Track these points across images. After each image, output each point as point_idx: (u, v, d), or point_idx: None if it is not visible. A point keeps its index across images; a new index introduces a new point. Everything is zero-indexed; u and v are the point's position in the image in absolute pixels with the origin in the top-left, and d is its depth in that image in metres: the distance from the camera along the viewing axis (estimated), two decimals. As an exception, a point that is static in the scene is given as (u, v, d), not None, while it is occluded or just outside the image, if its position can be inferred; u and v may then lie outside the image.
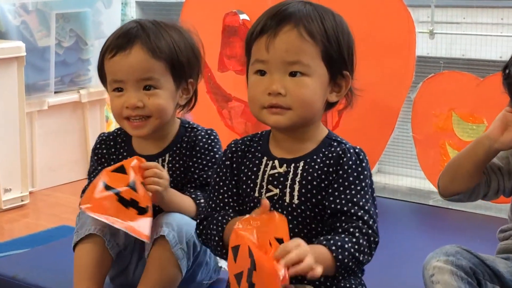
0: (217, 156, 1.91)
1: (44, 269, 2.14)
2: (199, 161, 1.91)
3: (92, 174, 1.95)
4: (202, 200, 1.85)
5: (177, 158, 1.92)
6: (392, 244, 2.02)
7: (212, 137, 1.93)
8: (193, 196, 1.87)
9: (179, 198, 1.85)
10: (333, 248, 1.48)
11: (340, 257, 1.48)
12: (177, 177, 1.91)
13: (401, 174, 3.51)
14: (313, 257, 1.39)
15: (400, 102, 2.80)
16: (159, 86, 1.86)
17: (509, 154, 1.72)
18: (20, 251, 2.57)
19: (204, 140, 1.92)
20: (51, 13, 3.51)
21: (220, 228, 1.61)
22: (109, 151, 1.99)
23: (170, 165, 1.92)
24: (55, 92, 3.62)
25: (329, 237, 1.51)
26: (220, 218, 1.64)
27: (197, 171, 1.91)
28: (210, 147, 1.92)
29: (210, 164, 1.91)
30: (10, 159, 3.30)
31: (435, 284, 1.60)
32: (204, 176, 1.90)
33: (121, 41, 1.86)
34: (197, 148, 1.91)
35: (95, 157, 1.99)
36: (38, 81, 3.52)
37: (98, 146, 2.00)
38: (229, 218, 1.62)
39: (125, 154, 1.95)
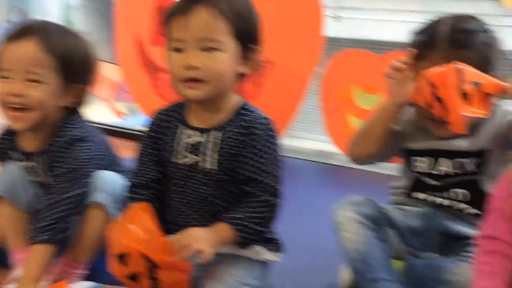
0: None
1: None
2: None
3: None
4: None
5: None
6: (302, 198, 2.04)
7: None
8: None
9: None
10: (235, 226, 1.54)
11: (241, 234, 1.54)
12: None
13: (309, 138, 3.54)
14: (203, 241, 1.46)
15: (309, 75, 2.81)
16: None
17: (401, 120, 1.73)
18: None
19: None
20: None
21: None
22: None
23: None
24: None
25: (233, 214, 1.55)
26: (134, 197, 1.64)
27: None
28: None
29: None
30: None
31: (343, 231, 1.62)
32: None
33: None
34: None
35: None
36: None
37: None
38: (142, 201, 1.61)
39: None
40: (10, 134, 1.85)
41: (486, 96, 1.51)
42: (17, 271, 1.77)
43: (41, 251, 1.67)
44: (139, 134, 1.76)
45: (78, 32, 1.81)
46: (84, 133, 1.77)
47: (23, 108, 1.71)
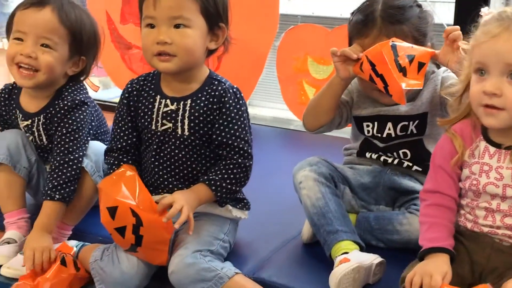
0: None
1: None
2: None
3: None
4: None
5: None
6: (264, 160, 2.03)
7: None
8: None
9: None
10: (213, 188, 1.54)
11: (218, 194, 1.55)
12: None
13: (268, 107, 3.54)
14: (187, 206, 1.46)
15: (267, 49, 2.80)
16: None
17: (350, 91, 1.73)
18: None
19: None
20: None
21: (110, 171, 1.60)
22: None
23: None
24: (-17, 41, 3.39)
25: (210, 176, 1.55)
26: (113, 160, 1.61)
27: None
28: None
29: None
30: None
31: (302, 189, 1.62)
32: None
33: None
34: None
35: None
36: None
37: None
38: (119, 164, 1.60)
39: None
40: (10, 91, 1.83)
41: (420, 65, 1.52)
42: (8, 233, 1.74)
43: (54, 208, 1.67)
44: (114, 106, 1.74)
45: (86, 10, 1.81)
46: (85, 98, 1.77)
47: (31, 69, 1.70)
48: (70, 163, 1.69)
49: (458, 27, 1.50)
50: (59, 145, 1.71)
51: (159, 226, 1.46)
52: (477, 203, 1.36)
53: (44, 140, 1.78)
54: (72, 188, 1.69)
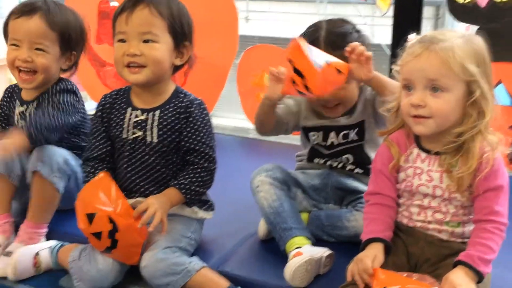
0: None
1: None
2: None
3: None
4: None
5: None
6: (225, 166, 2.02)
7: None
8: None
9: None
10: (183, 191, 1.53)
11: (188, 196, 1.54)
12: None
13: (229, 117, 3.53)
14: (160, 211, 1.45)
15: (228, 66, 2.79)
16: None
17: (299, 102, 1.71)
18: None
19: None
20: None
21: (88, 179, 1.56)
22: None
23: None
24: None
25: (180, 180, 1.54)
26: (89, 169, 1.58)
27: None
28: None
29: None
30: None
31: (259, 192, 1.62)
32: None
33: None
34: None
35: None
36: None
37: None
38: (96, 172, 1.56)
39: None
40: (14, 88, 1.84)
41: (338, 72, 1.45)
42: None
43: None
44: (90, 117, 1.73)
45: (70, 8, 1.80)
46: (74, 88, 1.77)
47: (30, 71, 1.71)
48: (57, 122, 1.67)
49: (358, 43, 1.46)
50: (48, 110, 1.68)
51: (134, 231, 1.44)
52: (411, 201, 1.37)
53: None
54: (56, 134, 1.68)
